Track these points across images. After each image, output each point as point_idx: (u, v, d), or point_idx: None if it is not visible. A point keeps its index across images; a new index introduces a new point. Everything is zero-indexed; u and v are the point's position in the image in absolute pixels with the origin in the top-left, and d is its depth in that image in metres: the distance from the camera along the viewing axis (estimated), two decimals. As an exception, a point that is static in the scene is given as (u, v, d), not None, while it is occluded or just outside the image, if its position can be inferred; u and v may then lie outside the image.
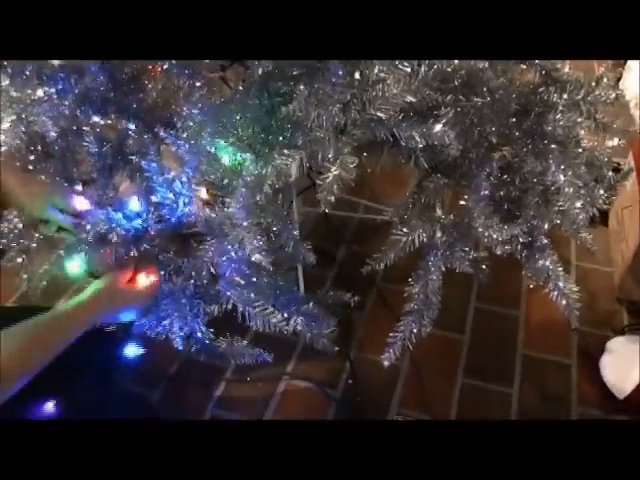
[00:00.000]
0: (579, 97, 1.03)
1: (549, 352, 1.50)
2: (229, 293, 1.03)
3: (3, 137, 1.04)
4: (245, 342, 1.16)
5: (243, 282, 1.01)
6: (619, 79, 2.20)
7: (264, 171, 0.92)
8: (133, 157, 1.18)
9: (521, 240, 1.06)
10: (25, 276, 1.23)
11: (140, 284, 1.10)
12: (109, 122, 1.18)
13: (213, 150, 0.97)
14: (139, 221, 1.08)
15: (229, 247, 0.98)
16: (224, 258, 0.97)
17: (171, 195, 1.04)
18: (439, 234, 1.05)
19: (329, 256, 1.69)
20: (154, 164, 1.03)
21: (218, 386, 1.43)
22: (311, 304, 1.10)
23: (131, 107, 1.14)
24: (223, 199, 0.99)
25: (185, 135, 0.98)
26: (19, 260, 1.17)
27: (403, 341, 1.03)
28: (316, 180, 0.95)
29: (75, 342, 0.97)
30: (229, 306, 1.04)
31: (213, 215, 1.00)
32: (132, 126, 1.16)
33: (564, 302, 1.08)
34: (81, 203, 1.12)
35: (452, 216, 1.08)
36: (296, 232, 1.00)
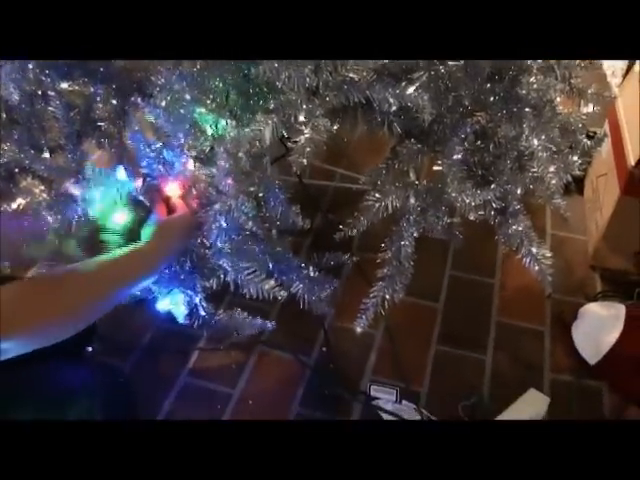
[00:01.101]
0: (553, 60, 1.03)
1: (523, 319, 1.51)
2: (221, 262, 1.01)
3: (-37, 101, 1.00)
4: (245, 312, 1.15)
5: (232, 250, 0.99)
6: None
7: (241, 136, 0.90)
8: (102, 124, 1.15)
9: (494, 205, 1.05)
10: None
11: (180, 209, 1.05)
12: (76, 87, 1.15)
13: (193, 118, 0.95)
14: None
15: (218, 216, 0.95)
16: (213, 227, 0.95)
17: (160, 166, 1.01)
18: (412, 200, 1.04)
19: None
20: (138, 135, 0.99)
21: (192, 355, 1.42)
22: (311, 268, 1.09)
23: (98, 72, 1.11)
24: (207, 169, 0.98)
25: (163, 103, 0.95)
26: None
27: (376, 307, 1.03)
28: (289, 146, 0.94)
29: None
30: (227, 279, 1.03)
31: (200, 184, 0.98)
32: (100, 92, 1.13)
33: (537, 268, 1.08)
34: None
35: (425, 182, 1.07)
36: (283, 196, 0.99)
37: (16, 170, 1.16)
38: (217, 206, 0.93)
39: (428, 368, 1.40)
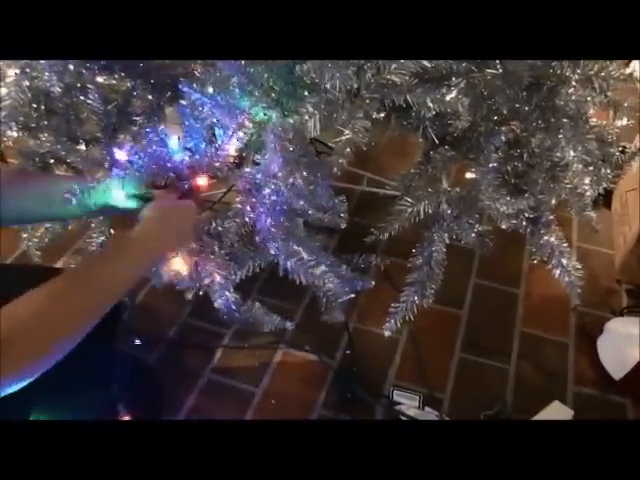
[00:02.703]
0: (592, 72, 1.02)
1: (547, 330, 1.50)
2: (270, 246, 1.00)
3: (6, 90, 1.02)
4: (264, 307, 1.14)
5: (283, 235, 0.99)
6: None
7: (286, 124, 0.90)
8: (137, 118, 1.17)
9: (527, 215, 1.05)
10: (25, 235, 1.23)
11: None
12: (114, 82, 1.17)
13: (240, 106, 0.94)
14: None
15: (266, 201, 0.95)
16: (262, 209, 0.94)
17: (204, 143, 0.99)
18: (445, 206, 1.04)
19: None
20: (188, 109, 0.97)
21: (216, 352, 1.43)
22: (344, 267, 1.09)
23: (137, 66, 1.12)
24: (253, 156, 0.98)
25: (211, 90, 0.94)
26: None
27: (405, 312, 1.03)
28: (321, 150, 0.94)
29: None
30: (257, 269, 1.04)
31: (247, 169, 0.97)
32: (137, 86, 1.15)
33: (566, 279, 1.08)
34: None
35: (458, 189, 1.07)
36: (330, 183, 0.97)
37: (51, 160, 1.18)
38: (267, 190, 0.93)
39: (451, 375, 1.39)
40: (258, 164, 0.95)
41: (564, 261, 1.07)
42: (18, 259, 1.60)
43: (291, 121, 0.91)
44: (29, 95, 1.07)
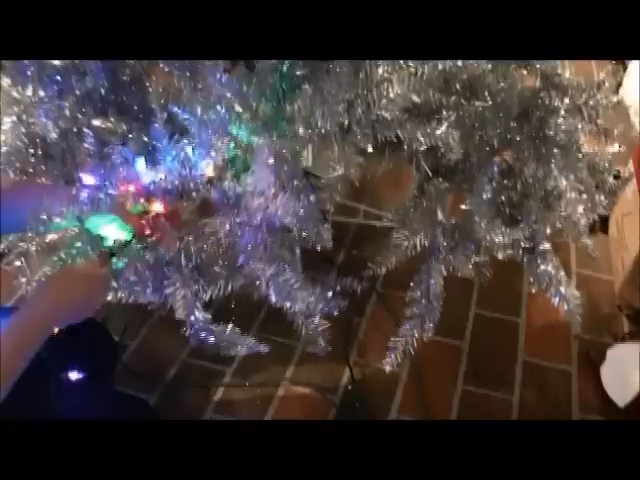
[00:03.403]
0: (581, 101, 1.04)
1: (549, 359, 1.49)
2: (253, 266, 0.97)
3: (3, 137, 1.03)
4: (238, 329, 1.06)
5: (266, 256, 0.96)
6: (619, 84, 2.20)
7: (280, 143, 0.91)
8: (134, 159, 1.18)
9: (523, 244, 1.06)
10: (23, 279, 1.23)
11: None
12: (109, 125, 1.18)
13: (227, 127, 0.94)
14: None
15: (255, 217, 0.93)
16: (247, 229, 0.93)
17: (178, 164, 0.98)
18: (440, 238, 1.05)
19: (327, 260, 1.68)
20: (162, 131, 0.97)
21: (217, 390, 1.42)
22: (319, 287, 1.05)
23: (132, 109, 1.14)
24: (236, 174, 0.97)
25: (199, 109, 0.94)
26: (18, 263, 1.16)
27: (404, 346, 1.02)
28: (316, 183, 0.94)
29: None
30: (229, 288, 1.00)
31: (228, 185, 0.96)
32: (133, 129, 1.16)
33: (566, 307, 1.07)
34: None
35: (453, 220, 1.07)
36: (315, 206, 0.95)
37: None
38: (251, 206, 0.92)
39: (454, 407, 1.38)
40: (238, 179, 0.95)
41: (562, 289, 1.07)
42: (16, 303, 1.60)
43: (282, 144, 0.91)
44: (26, 141, 1.08)
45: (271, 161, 0.89)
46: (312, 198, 0.95)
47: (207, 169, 1.01)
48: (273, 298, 0.98)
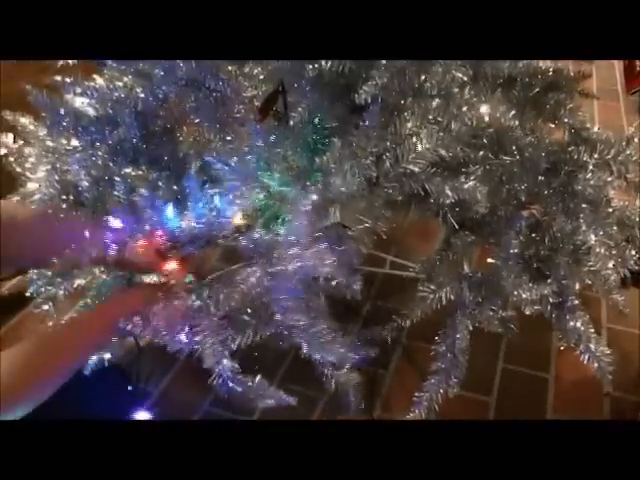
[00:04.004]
0: (610, 156, 1.03)
1: (580, 417, 1.44)
2: (280, 316, 0.98)
3: (36, 186, 1.06)
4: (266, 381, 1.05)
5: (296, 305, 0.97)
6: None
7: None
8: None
9: (551, 300, 1.04)
10: (50, 323, 1.24)
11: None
12: (140, 173, 1.20)
13: (259, 178, 0.96)
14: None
15: (282, 268, 0.94)
16: (279, 279, 0.93)
17: (208, 211, 1.02)
18: (467, 292, 1.03)
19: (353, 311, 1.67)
20: (193, 181, 1.01)
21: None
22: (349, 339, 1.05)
23: (162, 159, 1.16)
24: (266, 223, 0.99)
25: (235, 159, 0.97)
26: (45, 307, 1.18)
27: (429, 401, 1.00)
28: (345, 233, 0.94)
29: None
30: (258, 337, 1.01)
31: (258, 236, 0.98)
32: (163, 178, 1.18)
33: (596, 365, 1.05)
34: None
35: (480, 274, 1.06)
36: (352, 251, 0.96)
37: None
38: (289, 254, 0.92)
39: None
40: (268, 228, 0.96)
41: (592, 347, 1.05)
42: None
43: (314, 197, 0.92)
44: (59, 188, 1.11)
45: (307, 210, 0.90)
46: (342, 248, 0.96)
47: (236, 217, 1.03)
48: (305, 349, 0.98)
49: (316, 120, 0.93)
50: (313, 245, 0.91)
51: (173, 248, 1.05)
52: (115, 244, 1.03)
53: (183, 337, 1.01)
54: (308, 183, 0.94)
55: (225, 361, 0.99)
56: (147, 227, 1.04)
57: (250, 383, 1.02)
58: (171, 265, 1.05)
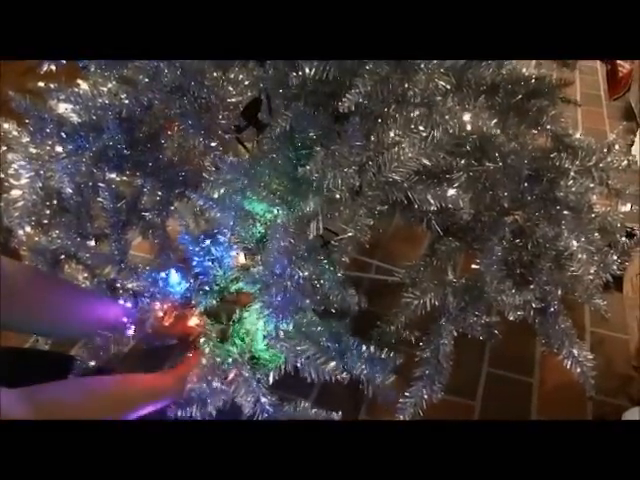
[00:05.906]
0: (591, 163, 1.04)
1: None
2: (279, 346, 0.98)
3: (20, 192, 1.05)
4: (308, 403, 1.06)
5: (290, 334, 0.97)
6: (631, 145, 2.21)
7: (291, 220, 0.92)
8: (147, 214, 1.19)
9: (534, 305, 1.05)
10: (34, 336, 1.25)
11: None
12: (124, 179, 1.20)
13: (246, 207, 0.97)
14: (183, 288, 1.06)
15: (272, 299, 0.93)
16: (269, 310, 0.92)
17: (210, 263, 1.03)
18: (451, 298, 1.04)
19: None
20: (187, 236, 1.02)
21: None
22: (371, 347, 1.04)
23: (147, 165, 1.16)
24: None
25: (216, 195, 0.96)
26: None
27: (414, 407, 1.01)
28: (330, 240, 0.95)
29: None
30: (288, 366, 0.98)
31: (255, 269, 0.98)
32: (147, 184, 1.18)
33: (579, 370, 1.06)
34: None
35: (464, 280, 1.07)
36: (339, 275, 0.97)
37: (62, 257, 1.20)
38: (274, 289, 0.92)
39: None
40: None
41: (575, 351, 1.06)
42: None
43: (298, 214, 0.92)
44: (42, 194, 1.10)
45: (283, 237, 0.90)
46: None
47: (239, 257, 1.04)
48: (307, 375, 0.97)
49: (299, 129, 0.93)
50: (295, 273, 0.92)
51: (188, 307, 1.07)
52: (133, 324, 1.04)
53: (220, 387, 1.01)
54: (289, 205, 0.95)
55: (262, 397, 0.98)
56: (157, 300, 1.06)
57: (293, 410, 1.02)
58: (193, 320, 1.08)
